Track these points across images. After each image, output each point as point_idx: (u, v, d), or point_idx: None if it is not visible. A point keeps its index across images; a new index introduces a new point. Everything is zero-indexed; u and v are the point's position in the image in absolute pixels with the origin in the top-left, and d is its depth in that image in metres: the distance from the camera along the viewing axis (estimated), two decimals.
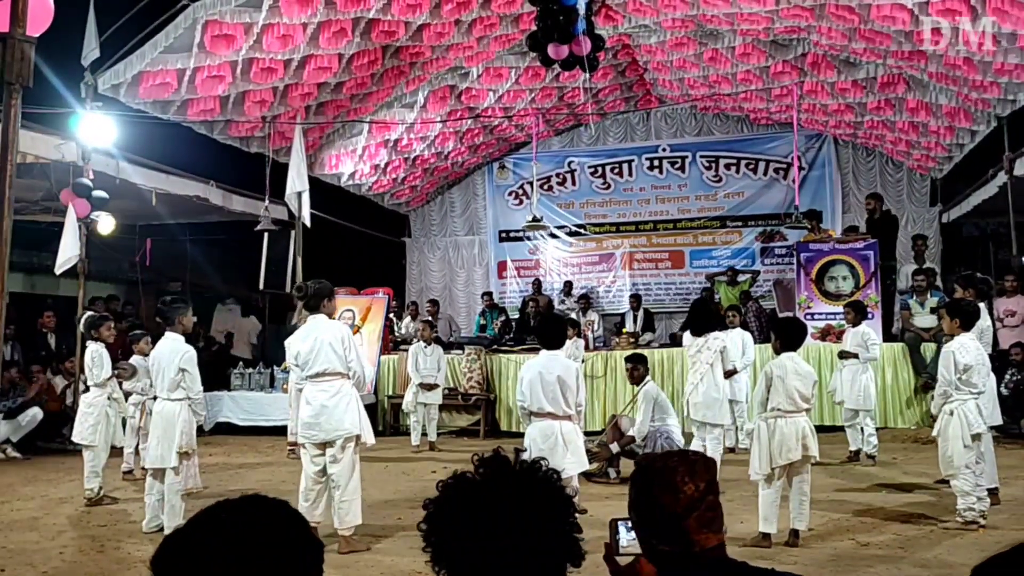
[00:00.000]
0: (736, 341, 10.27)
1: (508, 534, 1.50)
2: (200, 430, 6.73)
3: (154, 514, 6.52)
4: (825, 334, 11.50)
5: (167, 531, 6.20)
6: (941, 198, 14.87)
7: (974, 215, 13.97)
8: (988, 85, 10.45)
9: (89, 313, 8.96)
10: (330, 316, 6.20)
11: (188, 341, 6.70)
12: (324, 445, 6.00)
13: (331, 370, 5.99)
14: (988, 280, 7.85)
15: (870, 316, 10.36)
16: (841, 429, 9.66)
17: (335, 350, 5.98)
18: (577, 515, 1.64)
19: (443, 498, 1.56)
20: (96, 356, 8.03)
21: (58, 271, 10.26)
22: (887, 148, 14.76)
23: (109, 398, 8.06)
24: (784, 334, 6.33)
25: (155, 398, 6.71)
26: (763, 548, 5.70)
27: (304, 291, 6.23)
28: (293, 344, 6.19)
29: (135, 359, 8.84)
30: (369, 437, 6.15)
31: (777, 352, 6.27)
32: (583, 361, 10.85)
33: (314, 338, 6.03)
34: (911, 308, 11.36)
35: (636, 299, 15.00)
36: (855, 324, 9.51)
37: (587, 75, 10.88)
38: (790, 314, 12.24)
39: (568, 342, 10.73)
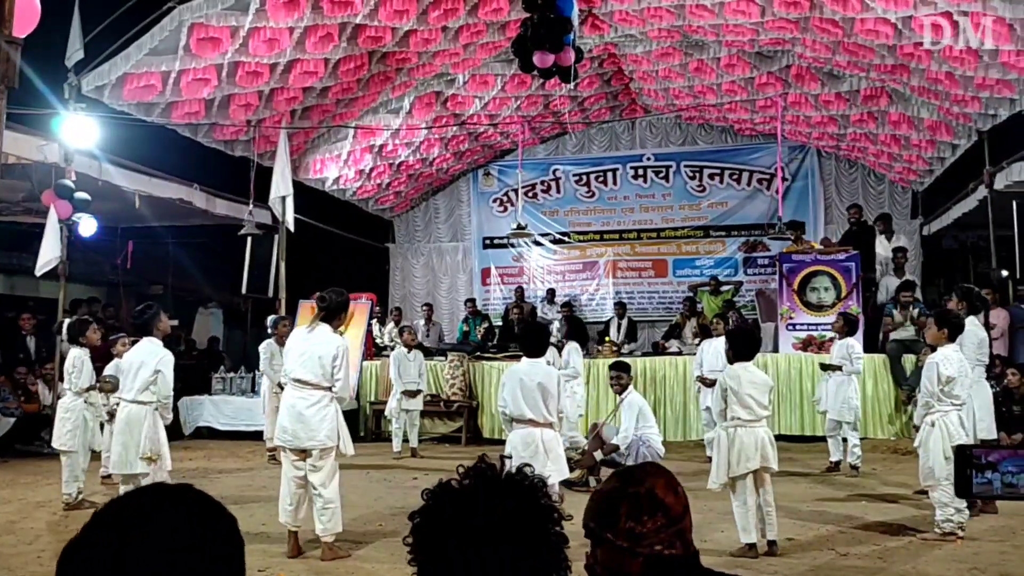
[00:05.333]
0: (720, 350, 10.27)
1: (494, 543, 1.49)
2: (179, 434, 6.68)
3: None
4: (807, 344, 11.57)
5: None
6: (922, 211, 14.98)
7: (955, 228, 14.09)
8: (969, 99, 10.55)
9: (68, 321, 8.86)
10: (335, 330, 6.18)
11: (169, 345, 6.67)
12: (303, 452, 5.98)
13: (312, 380, 5.98)
14: (984, 298, 7.98)
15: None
16: (823, 439, 9.70)
17: (323, 365, 5.96)
18: (563, 522, 1.64)
19: (428, 507, 1.55)
20: (78, 363, 7.92)
21: (38, 273, 10.18)
22: (869, 160, 14.87)
23: (86, 402, 7.98)
24: (736, 344, 6.36)
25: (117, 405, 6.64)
26: (749, 558, 5.73)
27: (327, 302, 6.16)
28: (291, 341, 6.26)
29: (114, 364, 8.75)
30: (347, 448, 6.13)
31: (730, 362, 6.30)
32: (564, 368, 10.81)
33: (309, 345, 6.03)
34: (893, 318, 11.43)
35: (621, 307, 15.03)
36: (843, 335, 9.53)
37: (571, 84, 10.92)
38: (771, 324, 12.33)
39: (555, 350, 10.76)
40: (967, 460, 1.76)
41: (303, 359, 5.99)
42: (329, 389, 6.00)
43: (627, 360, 9.85)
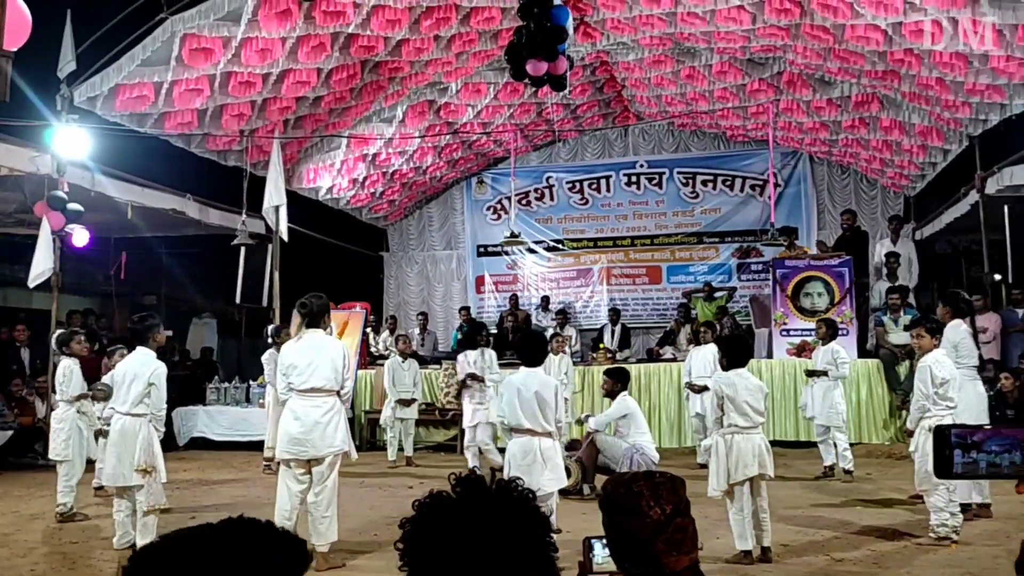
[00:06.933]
0: (708, 357, 10.27)
1: (484, 553, 1.50)
2: (174, 445, 6.65)
3: (125, 530, 6.43)
4: (800, 350, 11.58)
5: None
6: (915, 216, 15.02)
7: (947, 232, 14.12)
8: (960, 105, 10.59)
9: (60, 331, 8.85)
10: (324, 330, 6.20)
11: (163, 356, 6.65)
12: (310, 462, 5.95)
13: (327, 386, 5.97)
14: (969, 301, 8.06)
15: (843, 332, 10.47)
16: (815, 445, 9.71)
17: (335, 367, 5.97)
18: (553, 534, 1.65)
19: (419, 517, 1.56)
20: (67, 372, 7.91)
21: (31, 284, 10.15)
22: (861, 166, 14.93)
23: (78, 411, 7.96)
24: (729, 351, 6.39)
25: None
26: (745, 564, 5.74)
27: (308, 307, 6.14)
28: (288, 356, 6.11)
29: (110, 376, 8.72)
30: (353, 452, 6.20)
31: (724, 369, 6.32)
32: (566, 375, 10.83)
33: (314, 352, 5.98)
34: (885, 325, 11.46)
35: (615, 313, 15.02)
36: (826, 341, 9.57)
37: (565, 92, 10.95)
38: (765, 330, 12.34)
39: (555, 358, 10.75)
40: (946, 440, 1.76)
41: (313, 368, 5.93)
42: (338, 393, 6.03)
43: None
